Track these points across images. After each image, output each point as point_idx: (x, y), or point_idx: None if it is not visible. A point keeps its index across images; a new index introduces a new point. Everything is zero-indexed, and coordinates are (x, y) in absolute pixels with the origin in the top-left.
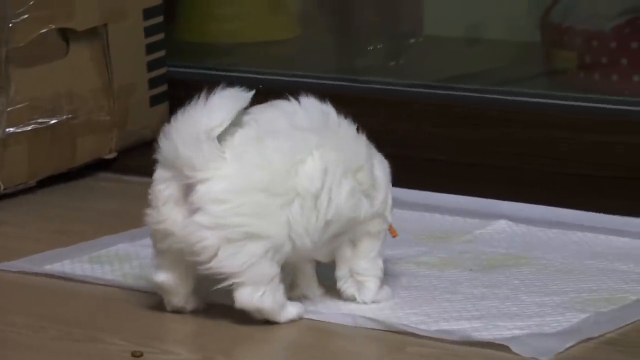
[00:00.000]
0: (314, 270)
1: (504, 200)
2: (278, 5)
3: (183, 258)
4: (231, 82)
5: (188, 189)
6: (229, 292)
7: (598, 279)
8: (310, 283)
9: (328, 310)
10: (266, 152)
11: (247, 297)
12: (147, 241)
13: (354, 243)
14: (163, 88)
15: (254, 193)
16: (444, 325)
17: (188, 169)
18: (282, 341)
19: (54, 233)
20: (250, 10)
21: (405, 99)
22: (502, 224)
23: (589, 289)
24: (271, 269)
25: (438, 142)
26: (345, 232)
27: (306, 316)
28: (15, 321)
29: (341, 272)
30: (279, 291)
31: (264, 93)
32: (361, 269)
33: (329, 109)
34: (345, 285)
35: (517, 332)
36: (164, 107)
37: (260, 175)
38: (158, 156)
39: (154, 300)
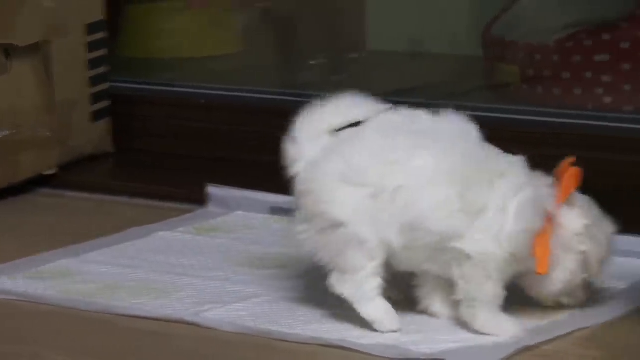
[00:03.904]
0: (442, 289)
1: None
2: (220, 20)
3: None
4: (173, 98)
5: None
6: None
7: None
8: (430, 296)
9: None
10: (354, 143)
11: (333, 280)
12: (89, 256)
13: (459, 264)
14: (105, 104)
15: (331, 180)
16: (381, 340)
17: (289, 164)
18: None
19: None
20: (193, 26)
21: None
22: None
23: (525, 302)
24: (358, 258)
25: None
26: (442, 244)
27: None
28: None
29: (459, 293)
30: (369, 284)
31: (207, 108)
32: (470, 294)
33: (469, 128)
34: (460, 310)
35: (454, 345)
36: (106, 122)
37: (336, 163)
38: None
39: (95, 316)
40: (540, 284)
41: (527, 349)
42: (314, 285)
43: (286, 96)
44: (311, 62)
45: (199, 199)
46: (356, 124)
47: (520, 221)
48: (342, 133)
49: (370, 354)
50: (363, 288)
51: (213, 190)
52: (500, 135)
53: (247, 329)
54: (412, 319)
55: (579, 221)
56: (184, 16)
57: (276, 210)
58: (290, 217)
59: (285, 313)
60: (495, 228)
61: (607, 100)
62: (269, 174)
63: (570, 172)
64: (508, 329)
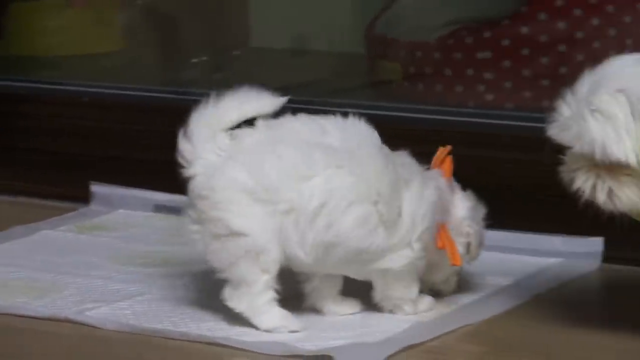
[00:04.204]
0: (330, 286)
1: None
2: (102, 17)
3: None
4: (57, 96)
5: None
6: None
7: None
8: (322, 296)
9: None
10: (265, 157)
11: (227, 294)
12: None
13: (383, 274)
14: None
15: (235, 192)
16: (268, 337)
17: (185, 163)
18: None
19: None
20: (75, 23)
21: None
22: None
23: None
24: (251, 272)
25: None
26: (360, 259)
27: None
28: None
29: (375, 294)
30: (263, 297)
31: (90, 106)
32: (394, 295)
33: (371, 135)
34: (383, 303)
35: (340, 342)
36: None
37: (243, 176)
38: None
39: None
40: (430, 271)
41: (413, 345)
42: (197, 283)
43: (169, 94)
44: (194, 60)
45: (83, 197)
46: (251, 121)
47: (425, 222)
48: (245, 135)
49: (254, 352)
50: (257, 302)
51: (96, 188)
52: (382, 132)
53: (131, 327)
54: (298, 316)
55: (464, 206)
56: (66, 14)
57: (160, 208)
58: (174, 215)
59: (169, 311)
60: (408, 237)
61: (489, 97)
62: (153, 172)
63: (448, 160)
64: (429, 304)
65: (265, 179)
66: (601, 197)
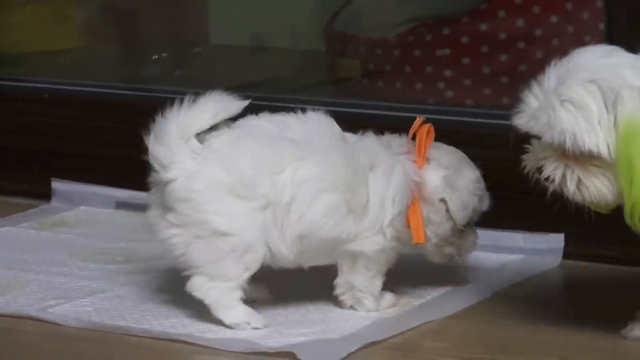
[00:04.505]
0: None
1: None
2: (62, 14)
3: None
4: (17, 92)
5: (163, 189)
6: None
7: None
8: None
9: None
10: (238, 154)
11: (197, 284)
12: None
13: (353, 258)
14: None
15: (218, 192)
16: (230, 334)
17: (159, 167)
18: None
19: None
20: (34, 20)
21: None
22: None
23: None
24: (233, 269)
25: None
26: (335, 247)
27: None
28: None
29: (340, 280)
30: (233, 294)
31: (50, 103)
32: (358, 284)
33: (331, 125)
34: (344, 296)
35: (302, 338)
36: None
37: (222, 175)
38: (149, 157)
39: None
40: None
41: (376, 342)
42: (160, 280)
43: (130, 90)
44: (154, 57)
45: (44, 194)
46: (218, 124)
47: (396, 206)
48: (214, 137)
49: (217, 349)
50: (228, 296)
51: (57, 185)
52: (342, 129)
53: (93, 324)
54: (261, 313)
55: (435, 174)
56: (27, 10)
57: (121, 205)
58: (136, 212)
59: (132, 308)
60: (379, 222)
61: (448, 94)
62: (114, 169)
63: (422, 129)
64: (390, 301)
65: (242, 175)
66: (571, 187)
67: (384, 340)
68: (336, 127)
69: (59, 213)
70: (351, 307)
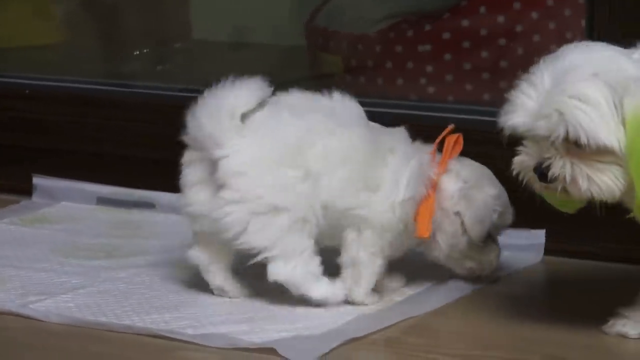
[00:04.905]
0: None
1: None
2: (42, 10)
3: (216, 237)
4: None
5: (213, 167)
6: None
7: None
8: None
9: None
10: (280, 125)
11: (278, 269)
12: None
13: (359, 230)
14: None
15: (269, 164)
16: (212, 329)
17: (211, 145)
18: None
19: None
20: (14, 16)
21: (172, 103)
22: None
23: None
24: (301, 241)
25: None
26: (346, 217)
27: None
28: None
29: (344, 257)
30: (312, 264)
31: (31, 98)
32: (360, 260)
33: (360, 111)
34: (345, 275)
35: (284, 334)
36: None
37: (271, 145)
38: (185, 137)
39: None
40: (430, 249)
41: (357, 338)
42: (141, 276)
43: (111, 86)
44: (135, 52)
45: (25, 190)
46: (260, 106)
47: (409, 190)
48: (250, 114)
49: (198, 344)
50: (309, 268)
51: (38, 180)
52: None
53: (75, 320)
54: (244, 309)
55: (454, 185)
56: (6, 6)
57: (103, 201)
58: (117, 207)
59: (113, 304)
60: (391, 199)
61: (430, 90)
62: (96, 165)
63: (450, 139)
64: (376, 298)
65: (285, 148)
66: (584, 184)
67: (365, 336)
68: (359, 109)
69: (40, 209)
70: (346, 301)
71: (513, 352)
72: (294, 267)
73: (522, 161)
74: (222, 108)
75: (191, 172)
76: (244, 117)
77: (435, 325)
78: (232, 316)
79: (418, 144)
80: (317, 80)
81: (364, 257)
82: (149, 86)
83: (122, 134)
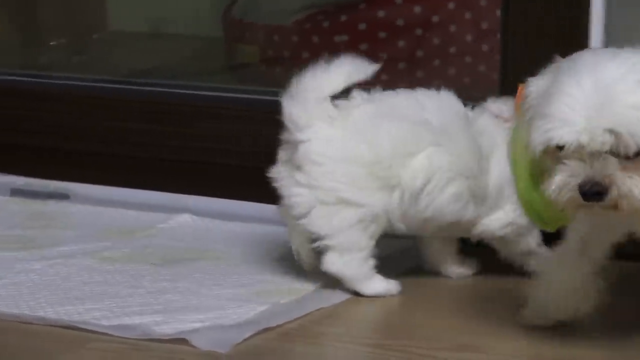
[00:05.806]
0: (448, 247)
1: (188, 194)
2: None
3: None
4: None
5: (295, 148)
6: None
7: (278, 271)
8: (441, 258)
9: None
10: (378, 131)
11: (333, 260)
12: None
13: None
14: None
15: (351, 164)
16: (126, 320)
17: (294, 127)
18: None
19: None
20: None
21: (89, 94)
22: (185, 217)
23: (270, 281)
24: (362, 239)
25: (123, 137)
26: (453, 227)
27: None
28: None
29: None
30: (367, 263)
31: None
32: (520, 253)
33: (463, 110)
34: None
35: (197, 325)
36: None
37: (361, 149)
38: (282, 117)
39: None
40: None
41: (270, 328)
42: (55, 268)
43: (27, 77)
44: (52, 43)
45: None
46: (351, 88)
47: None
48: (352, 106)
49: (112, 335)
50: (363, 268)
51: None
52: (238, 116)
53: None
54: (158, 300)
55: None
56: None
57: (17, 192)
58: (31, 199)
59: (27, 295)
60: (496, 204)
61: None
62: (9, 156)
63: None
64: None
65: (381, 153)
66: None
67: (279, 326)
68: (462, 108)
69: None
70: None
71: (431, 342)
72: (348, 262)
73: (566, 182)
74: (306, 89)
75: (281, 150)
76: (337, 104)
77: (348, 314)
78: (146, 307)
79: (496, 106)
80: (234, 71)
81: (523, 249)
82: (66, 77)
83: (37, 124)
